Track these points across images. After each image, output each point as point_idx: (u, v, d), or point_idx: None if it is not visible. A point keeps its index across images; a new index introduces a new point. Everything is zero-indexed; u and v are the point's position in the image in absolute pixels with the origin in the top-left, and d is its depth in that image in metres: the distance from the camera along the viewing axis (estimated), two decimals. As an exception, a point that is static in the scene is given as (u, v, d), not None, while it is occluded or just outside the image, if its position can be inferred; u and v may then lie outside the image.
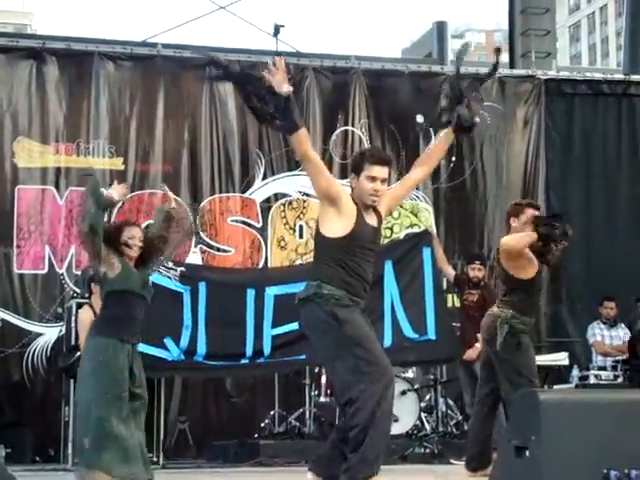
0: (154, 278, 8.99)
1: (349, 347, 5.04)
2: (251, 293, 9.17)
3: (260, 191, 10.92)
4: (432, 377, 10.01)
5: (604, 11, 65.38)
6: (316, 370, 9.82)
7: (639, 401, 4.82)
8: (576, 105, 11.78)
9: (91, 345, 6.28)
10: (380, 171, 5.15)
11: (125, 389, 6.14)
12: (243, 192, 10.84)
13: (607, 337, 10.59)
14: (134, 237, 6.47)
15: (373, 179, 5.14)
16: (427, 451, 9.17)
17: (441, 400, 9.82)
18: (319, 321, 5.22)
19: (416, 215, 11.16)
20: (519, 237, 6.60)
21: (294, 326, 8.97)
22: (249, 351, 9.05)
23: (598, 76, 12.42)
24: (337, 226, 5.14)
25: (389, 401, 4.99)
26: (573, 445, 4.46)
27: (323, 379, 9.75)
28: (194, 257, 10.48)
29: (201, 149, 10.73)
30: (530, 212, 6.87)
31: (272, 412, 9.74)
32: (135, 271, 6.43)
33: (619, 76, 12.44)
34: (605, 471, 4.42)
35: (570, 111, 11.75)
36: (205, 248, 10.59)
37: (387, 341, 8.95)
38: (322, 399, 9.75)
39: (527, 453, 4.48)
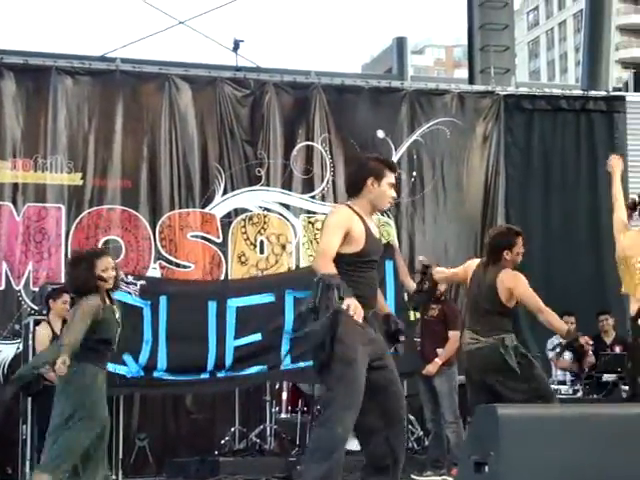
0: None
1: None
2: (212, 305, 9.13)
3: (220, 206, 10.87)
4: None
5: (563, 27, 66.02)
6: (277, 386, 9.79)
7: (597, 415, 4.82)
8: (535, 121, 11.85)
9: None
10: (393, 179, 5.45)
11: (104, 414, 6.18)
12: (203, 207, 10.78)
13: (567, 352, 10.61)
14: (107, 269, 6.40)
15: (392, 186, 5.41)
16: (388, 466, 9.10)
17: (402, 415, 9.78)
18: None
19: (378, 229, 11.14)
20: (533, 296, 6.60)
21: (257, 337, 8.97)
22: (210, 364, 9.01)
23: (557, 92, 12.52)
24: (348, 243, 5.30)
25: None
26: (532, 460, 4.45)
27: (284, 395, 9.72)
28: (154, 273, 10.42)
29: (160, 164, 10.67)
30: (520, 241, 6.83)
31: (232, 429, 9.69)
32: (112, 307, 6.44)
33: (578, 92, 12.55)
34: (565, 486, 4.43)
35: (529, 126, 11.82)
36: (164, 264, 10.52)
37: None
38: (283, 415, 9.71)
39: (486, 469, 4.47)
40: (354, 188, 5.48)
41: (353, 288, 5.13)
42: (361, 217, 5.35)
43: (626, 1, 61.47)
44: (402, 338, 5.52)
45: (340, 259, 5.21)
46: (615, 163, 6.65)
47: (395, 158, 11.28)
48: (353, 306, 4.96)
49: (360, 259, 5.30)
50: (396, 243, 10.53)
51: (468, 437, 4.73)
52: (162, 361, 8.96)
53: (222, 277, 10.69)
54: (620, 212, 6.53)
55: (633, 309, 6.14)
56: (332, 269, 5.11)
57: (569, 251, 11.55)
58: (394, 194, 5.47)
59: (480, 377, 6.70)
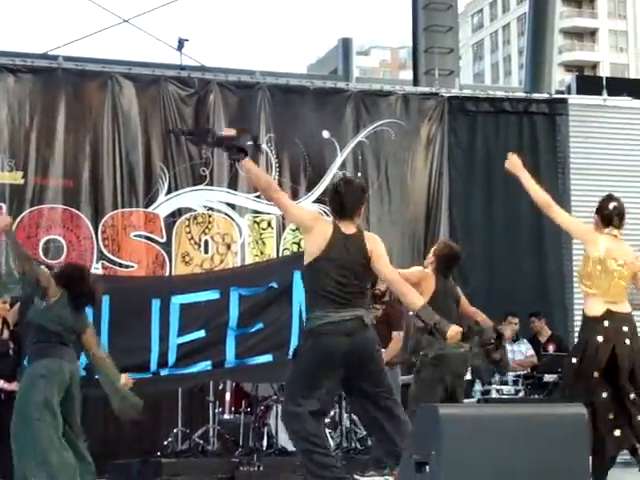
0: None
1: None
2: (156, 303, 9.09)
3: (164, 206, 10.80)
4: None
5: (507, 30, 66.67)
6: (220, 387, 9.75)
7: (536, 415, 4.86)
8: (478, 122, 11.93)
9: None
10: None
11: None
12: (147, 207, 10.71)
13: (509, 352, 10.70)
14: None
15: None
16: (331, 467, 9.12)
17: (345, 416, 9.81)
18: None
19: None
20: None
21: (200, 334, 8.94)
22: (153, 363, 8.97)
23: (500, 94, 12.61)
24: None
25: None
26: (473, 460, 4.48)
27: (227, 396, 9.69)
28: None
29: (103, 163, 10.57)
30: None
31: (175, 430, 9.62)
32: None
33: (520, 94, 12.66)
34: (504, 485, 4.47)
35: (472, 128, 11.90)
36: (107, 264, 10.42)
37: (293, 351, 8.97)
38: (226, 416, 9.69)
39: (427, 468, 4.49)
40: (353, 212, 5.93)
41: None
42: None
43: (569, 4, 62.25)
44: None
45: None
46: (513, 164, 6.67)
47: (340, 159, 11.31)
48: None
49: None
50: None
51: (410, 437, 4.74)
52: (103, 361, 8.88)
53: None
54: (563, 215, 6.59)
55: (597, 310, 6.22)
56: None
57: (512, 252, 11.66)
58: None
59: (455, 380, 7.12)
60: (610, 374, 6.18)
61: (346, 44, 20.07)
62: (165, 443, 9.56)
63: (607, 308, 6.19)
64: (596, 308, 6.22)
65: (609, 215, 6.40)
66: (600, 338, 6.14)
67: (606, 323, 6.18)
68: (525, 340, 11.02)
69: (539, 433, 4.67)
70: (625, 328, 6.15)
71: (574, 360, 6.28)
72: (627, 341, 6.15)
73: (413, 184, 11.61)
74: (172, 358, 9.01)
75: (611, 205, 6.44)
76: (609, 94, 12.49)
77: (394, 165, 11.55)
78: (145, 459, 9.21)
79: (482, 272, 11.40)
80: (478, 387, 10.13)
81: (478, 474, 4.48)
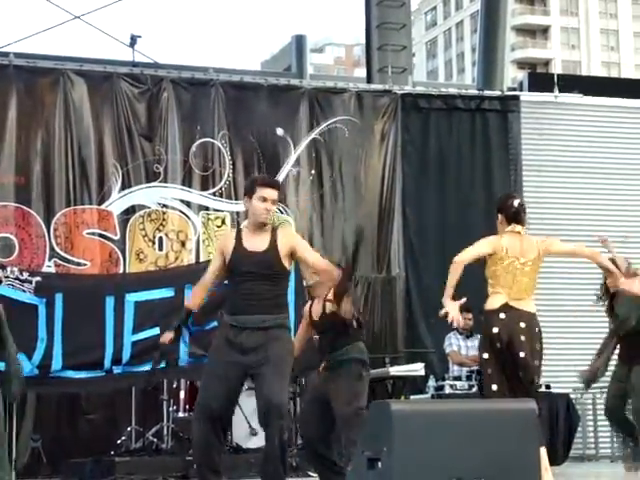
0: (6, 292, 8.80)
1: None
2: (110, 301, 9.05)
3: (118, 203, 10.74)
4: (291, 389, 10.00)
5: (460, 27, 67.02)
6: (174, 385, 9.72)
7: (488, 410, 4.90)
8: (432, 119, 12.00)
9: None
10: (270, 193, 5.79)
11: None
12: (100, 204, 10.64)
13: (463, 347, 10.78)
14: None
15: (264, 199, 5.74)
16: (286, 464, 9.13)
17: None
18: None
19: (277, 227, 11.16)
20: None
21: (155, 331, 8.91)
22: (107, 360, 8.94)
23: (453, 91, 12.69)
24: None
25: None
26: (424, 456, 4.51)
27: (181, 394, 9.66)
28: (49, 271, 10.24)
29: (55, 160, 10.50)
30: None
31: (129, 428, 9.58)
32: None
33: (473, 91, 12.75)
34: (455, 481, 4.50)
35: (426, 125, 11.96)
36: (59, 262, 10.35)
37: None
38: (180, 414, 9.66)
39: (379, 464, 4.51)
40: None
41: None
42: (239, 234, 5.85)
43: (522, 2, 62.70)
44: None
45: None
46: None
47: (294, 156, 11.32)
48: None
49: (231, 274, 5.81)
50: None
51: (362, 433, 4.77)
52: (57, 359, 8.86)
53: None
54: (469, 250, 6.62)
55: (496, 304, 6.29)
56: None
57: (464, 247, 11.69)
58: (267, 205, 5.72)
59: None
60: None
61: (300, 41, 20.03)
62: (119, 442, 9.52)
63: (506, 302, 6.25)
64: (496, 302, 6.29)
65: (515, 213, 6.46)
66: (495, 329, 6.19)
67: (502, 315, 6.25)
68: (479, 335, 11.08)
69: (491, 428, 4.71)
70: (522, 324, 6.18)
71: (485, 356, 6.35)
72: (522, 337, 6.15)
73: (367, 181, 11.65)
74: (126, 355, 8.99)
75: (515, 203, 6.50)
76: (561, 91, 12.61)
77: (348, 162, 11.58)
78: (98, 458, 9.15)
79: (435, 268, 11.44)
80: (432, 383, 10.19)
81: (430, 470, 4.51)
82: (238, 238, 5.79)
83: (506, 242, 6.40)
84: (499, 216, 6.54)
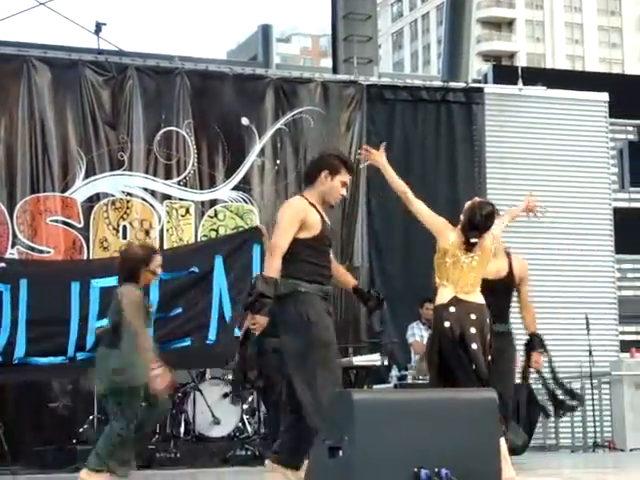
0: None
1: (314, 349, 5.43)
2: (75, 286, 9.02)
3: (81, 190, 10.68)
4: (254, 379, 10.00)
5: (426, 19, 67.16)
6: (137, 373, 9.68)
7: (448, 400, 4.94)
8: (397, 111, 12.02)
9: None
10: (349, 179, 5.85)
11: None
12: (63, 191, 10.58)
13: (426, 337, 10.82)
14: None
15: (344, 184, 5.80)
16: (249, 453, 9.18)
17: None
18: (292, 320, 5.53)
19: (241, 217, 11.17)
20: None
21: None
22: (71, 346, 8.91)
23: (418, 83, 12.71)
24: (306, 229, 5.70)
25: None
26: (386, 445, 4.53)
27: (144, 382, 9.62)
28: (11, 259, 10.18)
29: (18, 147, 10.41)
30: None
31: (91, 417, 9.55)
32: None
33: (438, 83, 12.79)
34: (416, 470, 4.52)
35: (391, 116, 11.98)
36: (22, 249, 10.28)
37: (212, 336, 8.98)
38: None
39: (340, 453, 4.53)
40: (309, 178, 5.88)
41: (312, 269, 5.59)
42: (314, 206, 5.72)
43: (488, -5, 62.91)
44: (381, 297, 6.04)
45: (298, 243, 5.59)
46: (374, 156, 6.60)
47: (259, 146, 11.31)
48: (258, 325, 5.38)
49: (316, 243, 5.68)
50: (264, 227, 10.46)
51: (324, 422, 4.78)
52: (21, 346, 8.83)
53: (84, 262, 10.51)
54: (419, 204, 6.63)
55: (445, 298, 6.30)
56: (275, 270, 5.47)
57: (429, 238, 11.69)
58: (344, 192, 5.82)
59: None
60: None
61: (266, 30, 20.01)
62: (81, 430, 9.48)
63: (455, 295, 6.28)
64: (444, 297, 6.31)
65: (479, 222, 6.45)
66: (447, 324, 6.22)
67: (452, 309, 6.25)
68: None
69: (452, 417, 4.75)
70: (473, 316, 6.19)
71: (430, 359, 6.37)
72: (472, 329, 6.15)
73: (332, 171, 11.62)
74: (90, 341, 8.95)
75: (479, 215, 6.48)
76: (525, 84, 12.69)
77: (313, 152, 11.53)
78: (61, 446, 9.14)
79: (399, 259, 11.51)
80: (395, 372, 10.24)
81: (391, 459, 4.54)
82: (317, 210, 5.78)
83: (455, 236, 6.42)
84: (462, 217, 6.54)
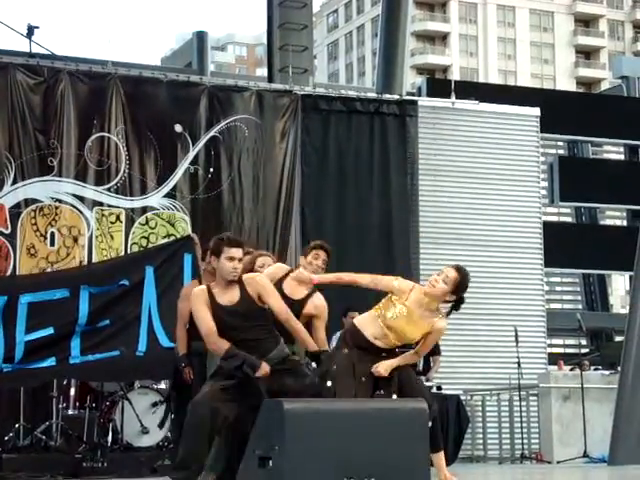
0: None
1: None
2: (2, 301, 8.84)
3: (9, 196, 10.51)
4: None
5: (361, 30, 67.51)
6: (64, 382, 9.56)
7: (379, 410, 4.95)
8: (331, 121, 12.04)
9: None
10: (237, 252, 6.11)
11: None
12: (-9, 197, 10.40)
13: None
14: None
15: (231, 259, 6.06)
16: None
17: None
18: None
19: (173, 225, 11.08)
20: None
21: (49, 331, 8.77)
22: None
23: (352, 94, 12.75)
24: None
25: None
26: (316, 455, 4.52)
27: (72, 391, 9.52)
28: (-64, 264, 9.97)
29: (-57, 151, 10.23)
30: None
31: (17, 425, 9.40)
32: None
33: (372, 95, 12.84)
34: (345, 480, 4.52)
35: (325, 127, 12.00)
36: (-52, 255, 10.08)
37: (142, 347, 8.89)
38: (70, 412, 9.52)
39: (270, 463, 4.51)
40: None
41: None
42: (211, 292, 6.09)
43: (422, 8, 63.46)
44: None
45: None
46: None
47: (192, 153, 11.24)
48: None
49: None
50: (196, 236, 10.35)
51: (254, 432, 4.75)
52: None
53: (10, 269, 10.33)
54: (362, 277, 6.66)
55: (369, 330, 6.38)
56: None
57: (362, 250, 11.81)
58: (235, 265, 6.07)
59: None
60: None
61: (201, 38, 19.92)
62: (6, 438, 9.32)
63: None
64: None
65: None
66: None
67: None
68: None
69: (381, 428, 4.76)
70: None
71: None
72: None
73: (266, 180, 11.62)
74: (19, 354, 8.80)
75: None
76: (458, 97, 12.80)
77: (247, 161, 11.54)
78: (-16, 455, 8.95)
79: (332, 269, 11.44)
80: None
81: (321, 469, 4.53)
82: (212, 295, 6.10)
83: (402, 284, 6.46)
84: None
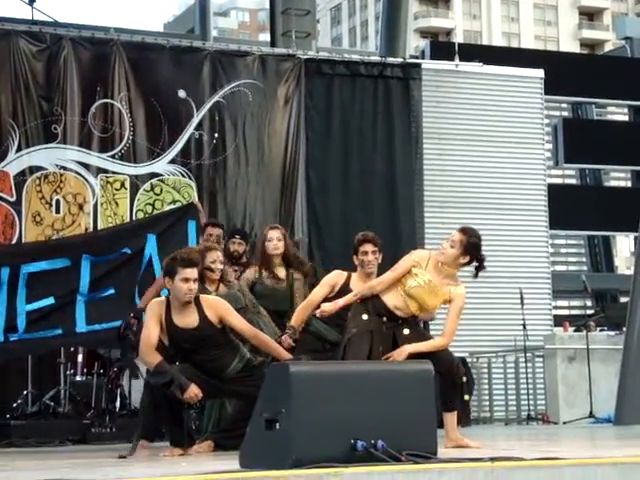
0: None
1: None
2: (5, 272, 8.85)
3: (14, 164, 10.50)
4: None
5: (364, -5, 67.09)
6: (72, 349, 9.61)
7: (384, 371, 4.97)
8: (335, 85, 11.99)
9: None
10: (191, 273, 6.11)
11: None
12: (-5, 164, 10.41)
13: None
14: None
15: (186, 280, 6.06)
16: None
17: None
18: None
19: (179, 191, 11.07)
20: None
21: (49, 301, 8.79)
22: (0, 330, 8.75)
23: (356, 57, 12.70)
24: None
25: None
26: (322, 417, 4.54)
27: (79, 358, 9.57)
28: (-60, 234, 10.00)
29: (-53, 119, 10.22)
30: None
31: (25, 391, 9.46)
32: None
33: (376, 58, 12.78)
34: (352, 441, 4.54)
35: (329, 91, 11.95)
36: (-48, 224, 10.10)
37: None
38: (78, 378, 9.58)
39: (277, 425, 4.53)
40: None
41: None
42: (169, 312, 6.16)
43: (425, -28, 63.02)
44: None
45: None
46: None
47: (197, 119, 11.20)
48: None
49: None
50: (199, 203, 10.36)
51: (260, 395, 4.77)
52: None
53: (16, 237, 10.34)
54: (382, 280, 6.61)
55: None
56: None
57: (367, 213, 11.80)
58: (190, 286, 6.08)
59: None
60: None
61: (203, 3, 19.79)
62: (14, 405, 9.38)
63: None
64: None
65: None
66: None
67: None
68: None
69: (388, 389, 4.78)
70: None
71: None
72: None
73: (270, 145, 11.60)
74: (21, 325, 8.82)
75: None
76: (461, 60, 12.75)
77: (251, 126, 11.51)
78: (-6, 421, 9.02)
79: (338, 234, 11.50)
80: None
81: (328, 431, 4.55)
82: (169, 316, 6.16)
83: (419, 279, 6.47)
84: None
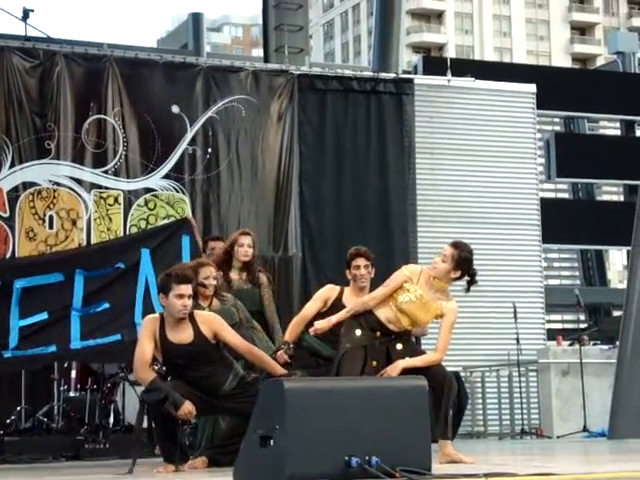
0: None
1: None
2: None
3: (7, 179, 10.50)
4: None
5: (357, 10, 67.29)
6: (65, 365, 9.59)
7: (379, 388, 4.97)
8: (328, 100, 12.02)
9: None
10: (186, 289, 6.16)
11: None
12: (-12, 180, 10.40)
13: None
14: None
15: (181, 296, 6.12)
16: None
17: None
18: None
19: (172, 206, 11.08)
20: None
21: (43, 316, 8.76)
22: None
23: (348, 73, 12.73)
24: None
25: None
26: (317, 433, 4.54)
27: (73, 374, 9.54)
28: None
29: (-59, 134, 10.22)
30: None
31: (18, 407, 9.43)
32: None
33: (368, 74, 12.82)
34: (347, 458, 4.53)
35: (322, 106, 11.99)
36: (-54, 240, 10.08)
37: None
38: (72, 394, 9.55)
39: (271, 442, 4.52)
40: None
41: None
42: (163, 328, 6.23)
43: (417, -14, 63.25)
44: None
45: None
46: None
47: (190, 134, 11.22)
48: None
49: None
50: (193, 219, 10.35)
51: (255, 412, 4.77)
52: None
53: (9, 253, 10.33)
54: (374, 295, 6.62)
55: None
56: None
57: (361, 229, 11.82)
58: (184, 302, 6.13)
59: None
60: None
61: (197, 19, 19.86)
62: (8, 421, 9.34)
63: None
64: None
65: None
66: None
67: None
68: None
69: (381, 405, 4.78)
70: None
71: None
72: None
73: (264, 160, 11.62)
74: (14, 340, 8.78)
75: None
76: (454, 75, 12.79)
77: (245, 141, 11.53)
78: (-13, 438, 8.98)
79: (331, 248, 11.52)
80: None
81: (323, 447, 4.55)
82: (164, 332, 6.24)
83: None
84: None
